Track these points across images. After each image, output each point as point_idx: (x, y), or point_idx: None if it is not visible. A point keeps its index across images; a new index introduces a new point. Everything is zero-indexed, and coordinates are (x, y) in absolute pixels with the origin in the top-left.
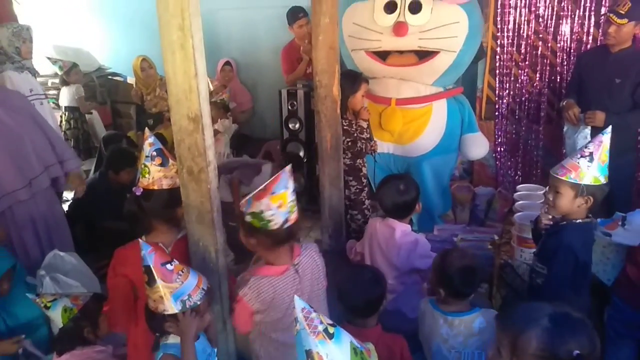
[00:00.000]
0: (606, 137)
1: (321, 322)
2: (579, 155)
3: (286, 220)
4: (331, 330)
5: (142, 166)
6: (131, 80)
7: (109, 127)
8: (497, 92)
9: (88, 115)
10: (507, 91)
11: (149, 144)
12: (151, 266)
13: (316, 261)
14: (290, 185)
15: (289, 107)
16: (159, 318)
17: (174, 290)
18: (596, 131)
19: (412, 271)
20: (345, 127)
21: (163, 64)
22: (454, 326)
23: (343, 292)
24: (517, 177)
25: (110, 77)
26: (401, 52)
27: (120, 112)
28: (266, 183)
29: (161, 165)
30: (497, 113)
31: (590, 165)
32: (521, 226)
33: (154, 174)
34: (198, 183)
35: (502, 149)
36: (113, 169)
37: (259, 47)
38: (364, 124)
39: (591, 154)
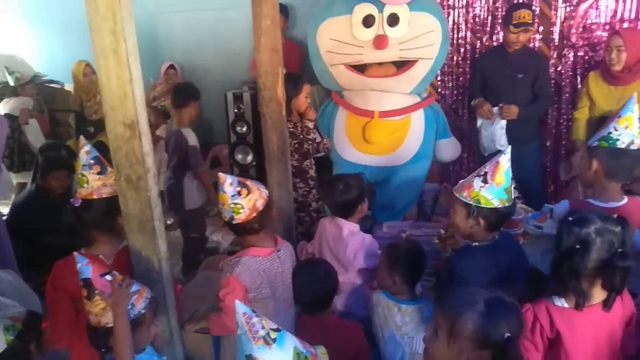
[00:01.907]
0: (503, 159)
1: (263, 327)
2: (475, 174)
3: (232, 218)
4: (273, 335)
5: (80, 176)
6: (69, 87)
7: (48, 137)
8: (439, 90)
9: (25, 126)
10: (449, 90)
11: (85, 152)
12: (90, 278)
13: (292, 255)
14: (228, 190)
15: (236, 111)
16: (101, 332)
17: None
18: (510, 123)
19: (360, 270)
20: (290, 130)
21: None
22: (407, 314)
23: (295, 288)
24: (462, 172)
25: (46, 84)
26: (380, 64)
27: (58, 120)
28: None
29: (100, 173)
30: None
31: (483, 186)
32: None
33: (92, 183)
34: (137, 191)
35: None
36: (42, 173)
37: (203, 50)
38: (310, 125)
39: (486, 174)
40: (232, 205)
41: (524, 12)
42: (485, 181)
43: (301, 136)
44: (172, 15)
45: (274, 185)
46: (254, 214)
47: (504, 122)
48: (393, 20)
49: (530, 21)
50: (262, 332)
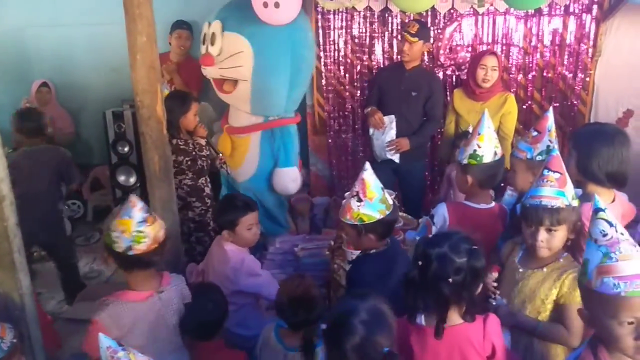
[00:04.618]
0: (366, 174)
1: None
2: (350, 195)
3: (130, 247)
4: None
5: None
6: None
7: None
8: (325, 108)
9: None
10: (333, 107)
11: None
12: None
13: (183, 293)
14: (136, 215)
15: (116, 130)
16: None
17: None
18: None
19: (241, 291)
20: (182, 147)
21: None
22: None
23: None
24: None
25: None
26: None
27: None
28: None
29: None
30: (327, 127)
31: (360, 205)
32: None
33: None
34: None
35: (334, 160)
36: None
37: (78, 67)
38: (202, 142)
39: (358, 193)
40: (135, 234)
41: (411, 23)
42: (359, 200)
43: (193, 153)
44: (42, 30)
45: (158, 207)
46: (155, 245)
47: (393, 132)
48: (213, 38)
49: (414, 32)
50: None
